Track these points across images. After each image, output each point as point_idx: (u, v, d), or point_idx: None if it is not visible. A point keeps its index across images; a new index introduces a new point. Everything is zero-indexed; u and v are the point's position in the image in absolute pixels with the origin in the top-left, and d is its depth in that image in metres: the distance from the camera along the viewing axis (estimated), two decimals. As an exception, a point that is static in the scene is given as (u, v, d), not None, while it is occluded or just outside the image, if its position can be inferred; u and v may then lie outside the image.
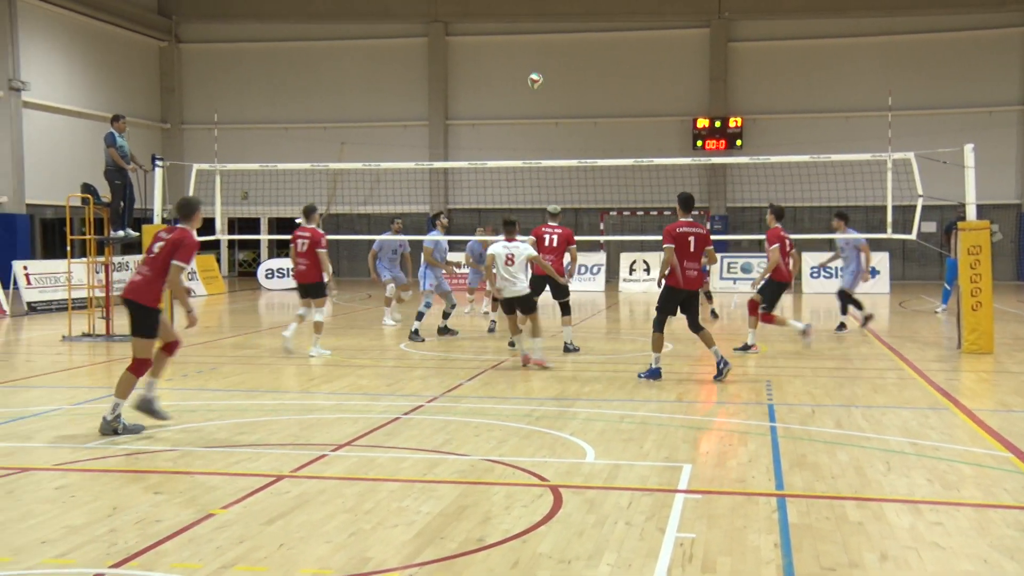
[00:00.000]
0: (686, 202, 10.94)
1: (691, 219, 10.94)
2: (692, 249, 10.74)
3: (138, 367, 8.11)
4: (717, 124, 31.47)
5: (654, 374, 10.86)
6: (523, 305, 11.90)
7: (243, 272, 35.11)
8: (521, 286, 11.86)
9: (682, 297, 10.87)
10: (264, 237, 30.11)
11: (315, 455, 7.27)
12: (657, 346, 10.92)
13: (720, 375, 10.80)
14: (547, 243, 13.25)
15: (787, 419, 8.73)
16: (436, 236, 15.85)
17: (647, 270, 27.16)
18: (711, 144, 31.41)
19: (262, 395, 10.15)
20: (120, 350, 13.94)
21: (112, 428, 7.98)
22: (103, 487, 6.42)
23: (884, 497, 6.17)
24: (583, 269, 27.21)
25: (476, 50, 33.15)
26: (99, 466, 7.00)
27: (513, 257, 11.84)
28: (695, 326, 11.00)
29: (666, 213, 30.25)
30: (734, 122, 31.45)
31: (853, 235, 16.16)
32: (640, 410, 9.16)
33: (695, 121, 31.58)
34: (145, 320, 8.11)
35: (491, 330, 15.88)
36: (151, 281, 8.11)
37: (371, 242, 16.93)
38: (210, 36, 34.19)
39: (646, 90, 32.12)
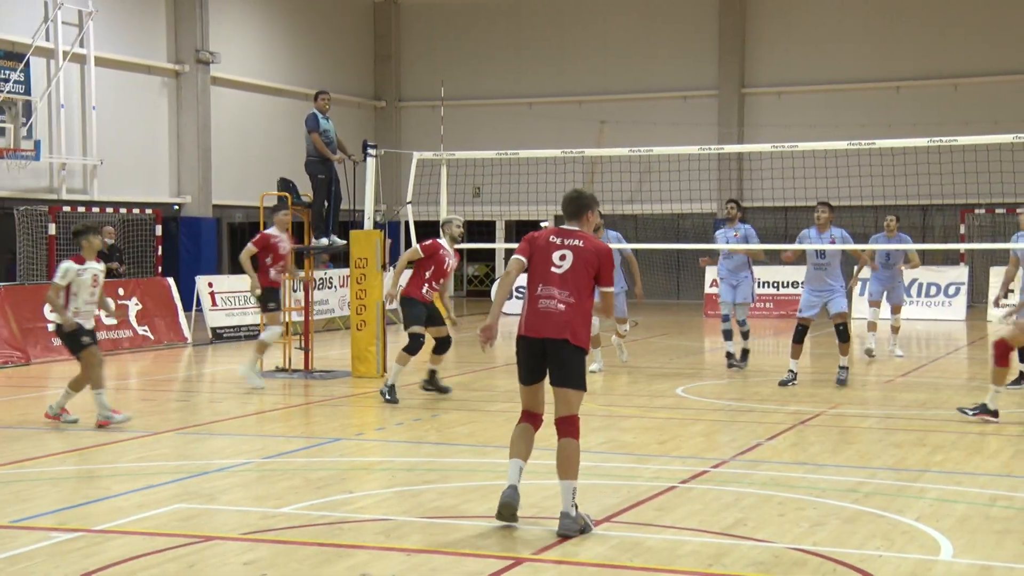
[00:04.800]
0: None
1: None
2: None
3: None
4: None
5: None
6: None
7: (473, 291, 35.81)
8: None
9: None
10: (500, 246, 30.70)
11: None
12: None
13: None
14: None
15: None
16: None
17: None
18: None
19: (495, 452, 10.36)
20: (322, 390, 14.65)
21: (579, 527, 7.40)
22: (300, 563, 6.75)
23: None
24: (934, 290, 26.14)
25: (785, -6, 32.68)
26: (296, 537, 7.37)
27: None
28: None
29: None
30: None
31: None
32: (1021, 489, 8.77)
33: (1119, 73, 29.66)
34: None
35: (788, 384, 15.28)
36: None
37: (636, 252, 16.99)
38: (436, -12, 35.57)
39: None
